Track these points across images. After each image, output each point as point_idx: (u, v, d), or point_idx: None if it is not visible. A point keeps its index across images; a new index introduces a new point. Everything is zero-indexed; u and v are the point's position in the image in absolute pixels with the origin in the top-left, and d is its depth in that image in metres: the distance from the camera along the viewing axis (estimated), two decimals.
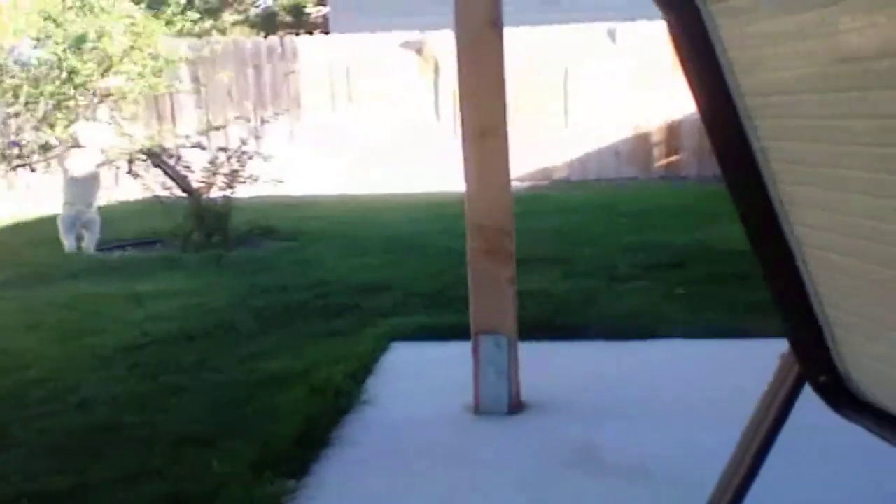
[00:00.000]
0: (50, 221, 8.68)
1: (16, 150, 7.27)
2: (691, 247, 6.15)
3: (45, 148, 7.34)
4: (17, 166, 7.38)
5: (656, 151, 11.63)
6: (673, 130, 11.42)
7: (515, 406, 3.39)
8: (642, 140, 11.60)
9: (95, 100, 7.49)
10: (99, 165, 7.51)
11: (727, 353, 3.98)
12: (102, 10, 7.41)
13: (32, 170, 7.50)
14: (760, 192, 1.27)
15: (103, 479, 2.89)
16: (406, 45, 11.62)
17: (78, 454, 3.12)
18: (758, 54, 1.13)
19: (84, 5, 7.36)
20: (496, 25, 3.18)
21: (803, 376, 1.46)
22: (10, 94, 7.16)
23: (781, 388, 1.50)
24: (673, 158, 11.56)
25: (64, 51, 7.16)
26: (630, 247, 6.32)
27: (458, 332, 3.82)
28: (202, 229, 7.43)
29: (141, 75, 7.69)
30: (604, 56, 11.36)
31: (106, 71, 7.34)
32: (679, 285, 5.12)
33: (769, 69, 1.13)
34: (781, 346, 1.54)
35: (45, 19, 7.21)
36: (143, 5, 7.86)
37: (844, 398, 1.44)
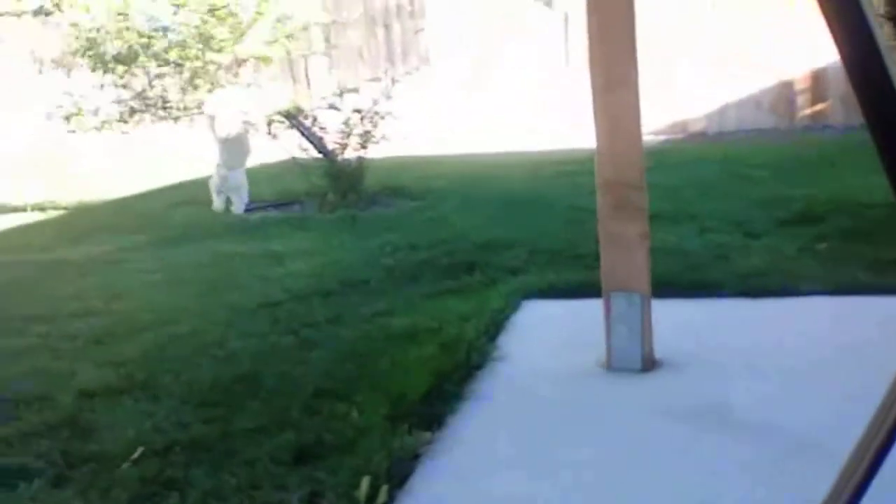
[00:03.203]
0: (192, 184, 9.08)
1: (161, 105, 7.62)
2: (832, 200, 5.86)
3: (186, 109, 7.66)
4: (164, 118, 7.72)
5: (800, 100, 11.08)
6: (818, 78, 10.85)
7: (648, 364, 3.35)
8: (785, 89, 11.07)
9: (236, 64, 7.74)
10: (245, 129, 7.78)
11: (868, 311, 3.78)
12: None
13: (175, 121, 7.83)
14: None
15: (247, 428, 3.03)
16: None
17: (223, 405, 3.28)
18: None
19: None
20: None
21: None
22: (160, 58, 7.49)
23: None
24: (818, 107, 10.99)
25: (201, 18, 7.42)
26: (766, 201, 6.08)
27: (589, 289, 3.79)
28: (337, 190, 7.61)
29: (276, 40, 7.89)
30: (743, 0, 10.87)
31: (240, 36, 7.56)
32: (818, 240, 4.91)
33: None
34: None
35: None
36: None
37: None
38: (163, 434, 3.04)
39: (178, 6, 7.56)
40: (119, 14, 7.72)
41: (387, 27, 11.97)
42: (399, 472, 2.64)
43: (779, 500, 2.34)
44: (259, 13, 7.67)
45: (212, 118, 7.71)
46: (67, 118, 7.68)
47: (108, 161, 11.17)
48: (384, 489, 2.52)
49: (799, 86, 11.02)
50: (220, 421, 3.13)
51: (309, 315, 4.36)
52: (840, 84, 10.48)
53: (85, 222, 7.87)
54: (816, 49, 10.19)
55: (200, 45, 7.45)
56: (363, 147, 7.72)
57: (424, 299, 4.47)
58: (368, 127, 7.72)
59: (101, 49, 7.50)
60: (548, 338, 3.86)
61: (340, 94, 8.34)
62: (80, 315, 4.69)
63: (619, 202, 3.26)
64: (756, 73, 10.97)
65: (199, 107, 7.57)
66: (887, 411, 1.46)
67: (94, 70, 7.74)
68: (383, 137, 7.70)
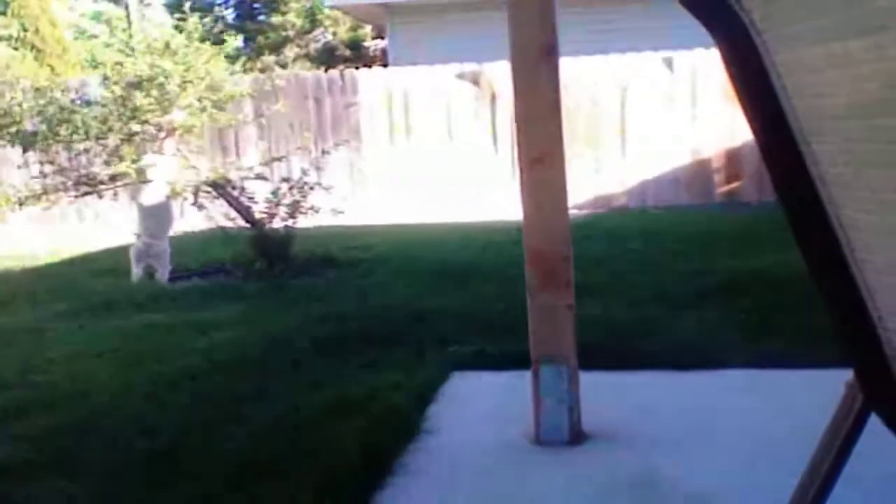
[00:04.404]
0: (116, 253, 8.90)
1: (84, 180, 7.49)
2: (752, 273, 6.04)
3: (114, 178, 7.55)
4: (86, 193, 7.60)
5: (716, 178, 11.50)
6: (732, 156, 11.30)
7: (576, 436, 3.36)
8: (701, 166, 11.48)
9: (162, 134, 7.69)
10: (168, 197, 7.70)
11: (789, 382, 3.89)
12: (163, 50, 7.67)
13: (100, 197, 7.73)
14: (820, 218, 1.26)
15: None
16: (463, 75, 11.72)
17: (142, 482, 3.18)
18: (811, 79, 1.12)
19: (147, 49, 7.65)
20: (551, 54, 3.20)
21: (868, 405, 1.43)
22: (81, 131, 7.40)
23: (846, 418, 1.47)
24: (734, 185, 11.41)
25: (124, 89, 7.40)
26: (689, 273, 6.24)
27: (519, 359, 3.81)
28: (265, 259, 7.55)
29: (203, 109, 7.89)
30: (661, 84, 11.31)
31: (168, 106, 7.54)
32: (740, 312, 5.04)
33: (823, 94, 1.12)
34: (846, 374, 1.51)
35: (96, 67, 7.48)
36: (196, 41, 7.99)
37: None
38: None
39: (104, 79, 7.52)
40: (37, 89, 7.63)
41: (318, 101, 12.07)
42: None
43: None
44: (188, 81, 7.66)
45: (135, 187, 7.61)
46: None
47: (28, 228, 10.91)
48: None
49: (714, 164, 11.45)
50: (137, 499, 3.04)
51: (234, 387, 4.28)
52: (754, 163, 10.92)
53: (1, 291, 7.62)
54: (731, 129, 10.69)
55: (125, 116, 7.38)
56: (291, 217, 7.70)
57: (354, 370, 4.43)
58: (297, 197, 7.72)
59: (21, 126, 7.39)
60: (477, 409, 3.86)
61: (268, 163, 8.35)
62: None
63: (547, 273, 3.31)
64: (673, 152, 11.37)
65: (123, 177, 7.46)
66: (811, 480, 1.51)
67: (13, 145, 7.61)
68: (311, 208, 7.70)
